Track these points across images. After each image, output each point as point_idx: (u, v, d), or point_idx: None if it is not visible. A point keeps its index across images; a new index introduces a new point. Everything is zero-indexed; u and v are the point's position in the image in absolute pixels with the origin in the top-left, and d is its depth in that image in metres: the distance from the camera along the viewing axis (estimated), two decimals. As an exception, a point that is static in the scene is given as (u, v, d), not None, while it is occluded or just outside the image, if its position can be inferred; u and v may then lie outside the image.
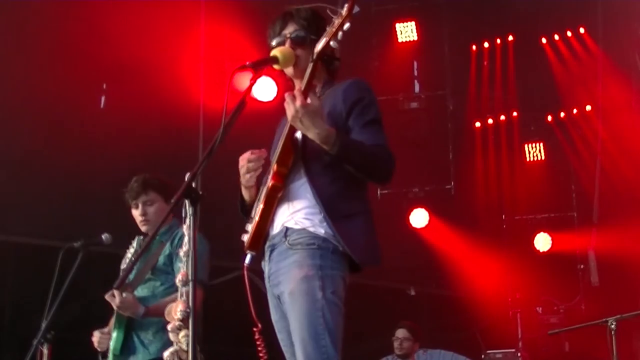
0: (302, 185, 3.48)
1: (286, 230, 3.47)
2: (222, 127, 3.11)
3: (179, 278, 4.23)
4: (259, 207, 3.51)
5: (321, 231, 3.41)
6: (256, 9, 7.97)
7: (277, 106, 7.91)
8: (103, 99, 8.10)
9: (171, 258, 5.07)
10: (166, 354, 5.01)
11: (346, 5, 3.18)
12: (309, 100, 3.32)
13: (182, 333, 4.76)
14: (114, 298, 4.68)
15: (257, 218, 3.51)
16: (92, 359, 6.84)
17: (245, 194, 3.67)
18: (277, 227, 3.53)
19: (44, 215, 7.09)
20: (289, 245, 3.44)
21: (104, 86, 8.11)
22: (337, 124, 3.43)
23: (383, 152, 3.43)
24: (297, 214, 3.47)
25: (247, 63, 3.36)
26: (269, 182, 3.45)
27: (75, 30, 7.18)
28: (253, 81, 3.38)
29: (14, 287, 7.15)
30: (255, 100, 7.92)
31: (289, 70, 3.63)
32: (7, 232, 7.19)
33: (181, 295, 3.76)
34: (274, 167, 3.47)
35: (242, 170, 3.55)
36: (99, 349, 5.04)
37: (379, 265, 3.50)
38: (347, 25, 3.20)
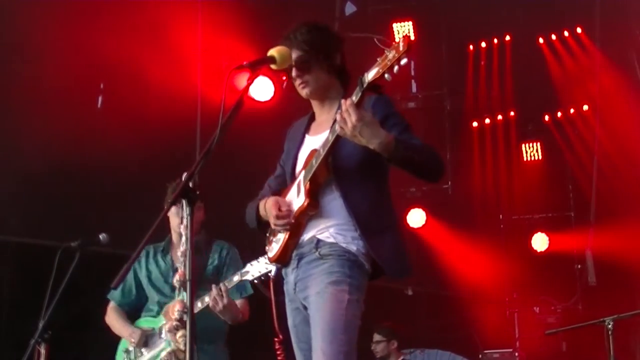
0: (332, 201, 3.56)
1: (317, 242, 3.55)
2: (220, 127, 3.11)
3: (176, 278, 4.23)
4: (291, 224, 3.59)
5: (353, 248, 3.51)
6: (253, 9, 7.97)
7: (274, 106, 7.95)
8: (100, 98, 8.09)
9: (219, 270, 5.20)
10: (163, 353, 5.02)
11: (402, 41, 3.16)
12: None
13: (180, 333, 4.77)
14: (222, 298, 4.73)
15: (287, 234, 3.59)
16: (89, 358, 6.84)
17: (263, 213, 3.74)
18: (306, 237, 3.60)
19: (41, 214, 7.08)
20: (320, 255, 3.53)
21: (101, 86, 8.10)
22: None
23: (433, 150, 3.53)
24: (330, 229, 3.55)
25: (245, 63, 3.36)
26: (305, 201, 3.53)
27: (73, 30, 7.17)
28: (250, 81, 3.38)
29: (11, 286, 7.14)
30: (253, 99, 7.92)
31: (304, 92, 3.68)
32: (5, 231, 7.18)
33: (179, 295, 3.77)
34: (306, 185, 3.54)
35: (272, 218, 3.61)
36: (134, 343, 5.11)
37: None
38: (404, 61, 3.17)
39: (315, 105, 3.80)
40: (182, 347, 4.67)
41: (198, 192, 3.05)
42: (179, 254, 5.08)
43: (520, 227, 10.81)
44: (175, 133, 7.36)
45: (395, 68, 3.20)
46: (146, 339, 5.09)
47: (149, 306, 5.24)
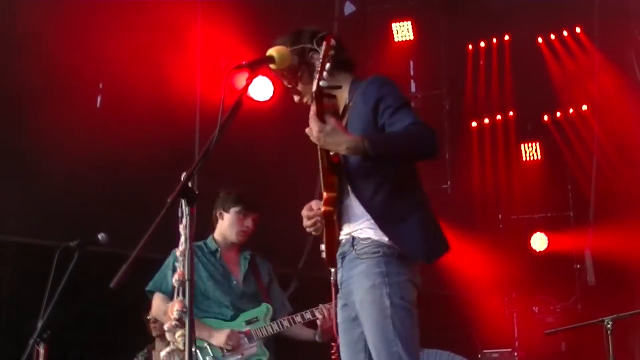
0: (355, 200, 3.58)
1: (353, 240, 3.59)
2: (219, 127, 3.11)
3: (175, 278, 4.22)
4: (324, 231, 3.65)
5: (385, 239, 3.52)
6: (253, 9, 7.97)
7: (273, 106, 7.94)
8: (99, 98, 8.08)
9: (270, 282, 5.52)
10: (163, 353, 5.01)
11: (323, 47, 3.20)
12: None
13: (179, 333, 4.76)
14: (330, 318, 4.98)
15: (325, 241, 3.65)
16: (89, 358, 6.83)
17: None
18: (345, 236, 3.65)
19: (40, 214, 7.08)
20: (357, 255, 3.57)
21: (101, 86, 8.09)
22: (367, 126, 3.51)
23: (417, 129, 3.44)
24: (362, 225, 3.58)
25: (244, 63, 3.37)
26: (322, 208, 3.57)
27: (72, 29, 7.17)
28: (250, 81, 3.39)
29: (11, 286, 7.14)
30: (252, 100, 7.91)
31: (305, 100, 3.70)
32: (5, 231, 7.18)
33: (178, 295, 3.76)
34: (323, 194, 3.57)
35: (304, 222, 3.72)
36: (231, 346, 5.23)
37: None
38: (328, 66, 3.23)
39: None
40: (181, 347, 4.67)
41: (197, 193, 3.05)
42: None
43: (520, 227, 10.79)
44: (175, 133, 7.37)
45: (325, 74, 3.26)
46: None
47: (213, 307, 5.28)
